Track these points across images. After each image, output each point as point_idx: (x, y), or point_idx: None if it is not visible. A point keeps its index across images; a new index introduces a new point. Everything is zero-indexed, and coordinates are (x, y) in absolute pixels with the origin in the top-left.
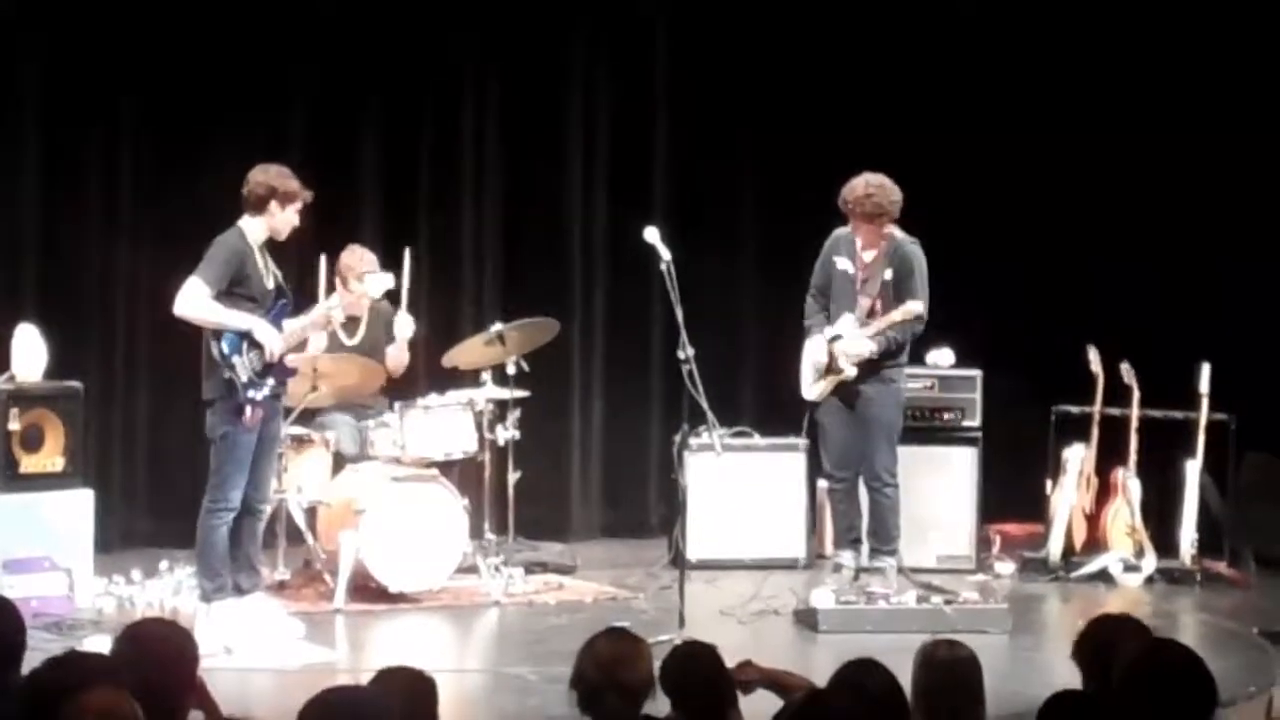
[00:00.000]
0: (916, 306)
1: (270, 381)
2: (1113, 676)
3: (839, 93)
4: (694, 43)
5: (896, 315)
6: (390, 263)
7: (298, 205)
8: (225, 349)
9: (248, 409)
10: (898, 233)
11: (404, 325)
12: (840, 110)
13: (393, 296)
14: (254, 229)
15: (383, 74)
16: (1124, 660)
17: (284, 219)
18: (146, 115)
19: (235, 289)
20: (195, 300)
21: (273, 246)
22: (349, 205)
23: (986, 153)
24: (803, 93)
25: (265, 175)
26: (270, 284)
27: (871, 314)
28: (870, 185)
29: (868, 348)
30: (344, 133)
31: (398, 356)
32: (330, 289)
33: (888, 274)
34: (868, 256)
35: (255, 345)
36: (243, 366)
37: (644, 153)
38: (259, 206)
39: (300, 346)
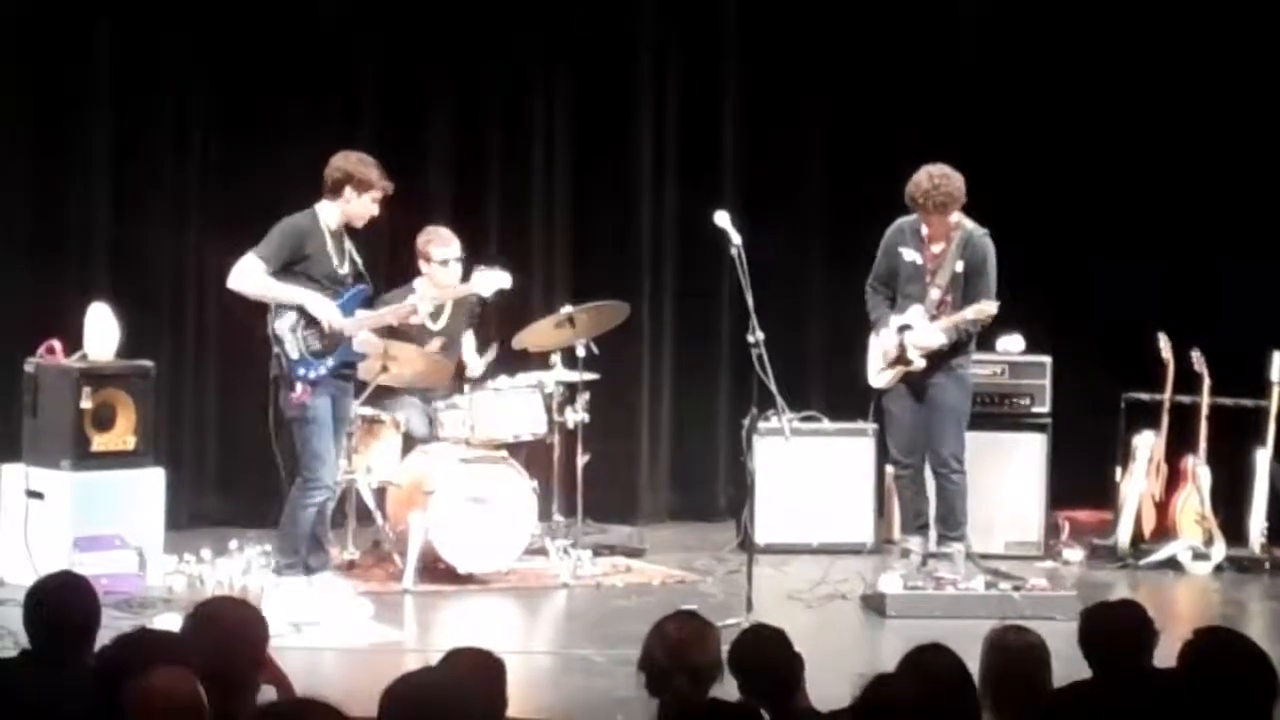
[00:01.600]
0: (991, 308)
1: (329, 362)
2: (1117, 665)
3: (908, 83)
4: (764, 30)
5: (970, 314)
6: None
7: (375, 195)
8: (277, 327)
9: (297, 385)
10: (968, 223)
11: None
12: (909, 100)
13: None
14: (328, 213)
15: (454, 53)
16: (1183, 649)
17: (359, 206)
18: (218, 96)
19: (294, 267)
20: (248, 274)
21: (351, 232)
22: (419, 189)
23: (1057, 140)
24: (871, 82)
25: (345, 161)
26: (345, 269)
27: (941, 305)
28: (934, 176)
29: (938, 340)
30: (414, 115)
31: (471, 357)
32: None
33: (959, 266)
34: (936, 248)
35: (312, 324)
36: (293, 344)
37: (713, 137)
38: (335, 191)
39: (399, 334)
